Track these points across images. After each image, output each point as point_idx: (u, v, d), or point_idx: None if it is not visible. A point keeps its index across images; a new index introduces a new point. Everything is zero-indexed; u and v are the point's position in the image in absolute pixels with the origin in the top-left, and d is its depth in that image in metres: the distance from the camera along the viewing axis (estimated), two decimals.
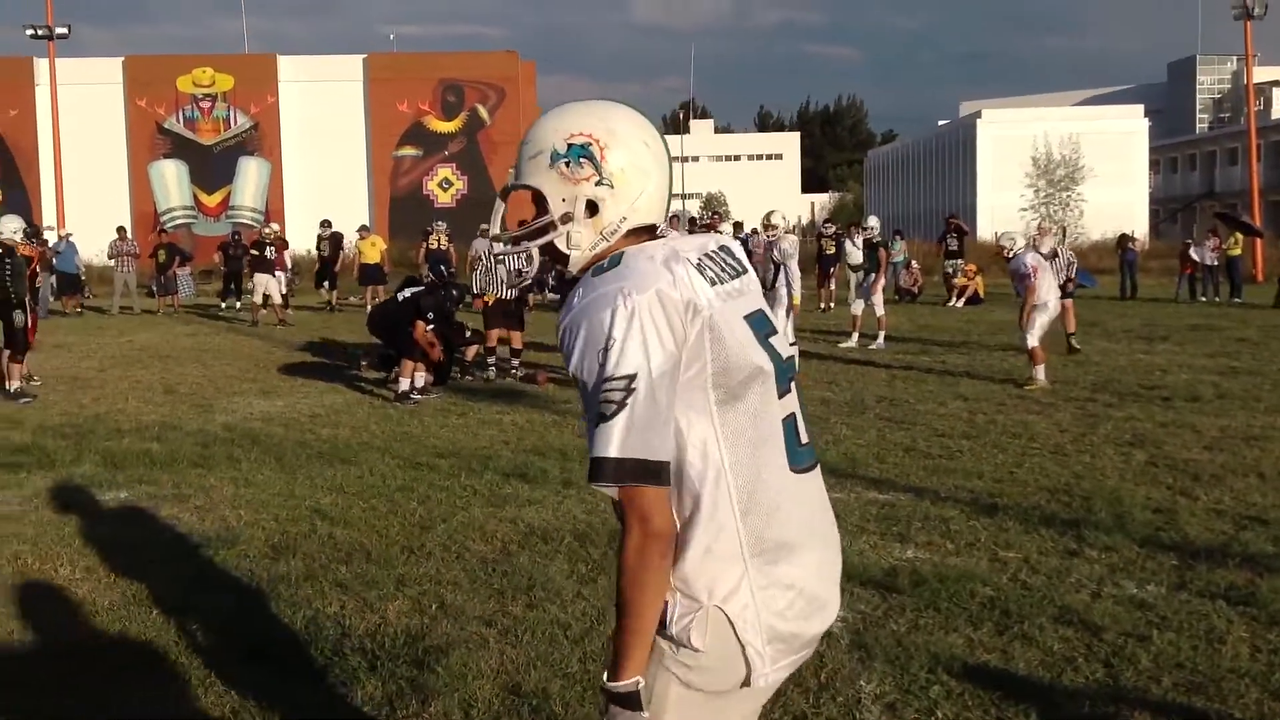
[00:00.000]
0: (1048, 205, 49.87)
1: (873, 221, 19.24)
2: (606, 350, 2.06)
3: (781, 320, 13.19)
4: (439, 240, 24.74)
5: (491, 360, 13.94)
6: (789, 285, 14.05)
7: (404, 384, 11.93)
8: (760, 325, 2.26)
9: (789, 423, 2.27)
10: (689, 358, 2.11)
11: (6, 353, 12.77)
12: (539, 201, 2.30)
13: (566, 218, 2.28)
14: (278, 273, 23.43)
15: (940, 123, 74.57)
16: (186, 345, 18.50)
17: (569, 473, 8.34)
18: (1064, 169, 50.90)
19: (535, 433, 10.15)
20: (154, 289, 26.93)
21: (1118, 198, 53.64)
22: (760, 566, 2.16)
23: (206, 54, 47.99)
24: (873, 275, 17.59)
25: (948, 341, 17.54)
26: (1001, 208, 53.60)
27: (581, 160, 2.25)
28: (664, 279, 2.12)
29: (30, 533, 6.92)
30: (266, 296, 23.04)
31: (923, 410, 11.07)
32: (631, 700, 2.10)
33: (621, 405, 2.04)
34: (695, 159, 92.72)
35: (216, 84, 46.02)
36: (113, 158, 45.05)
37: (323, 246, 26.51)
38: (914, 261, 28.18)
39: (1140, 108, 64.01)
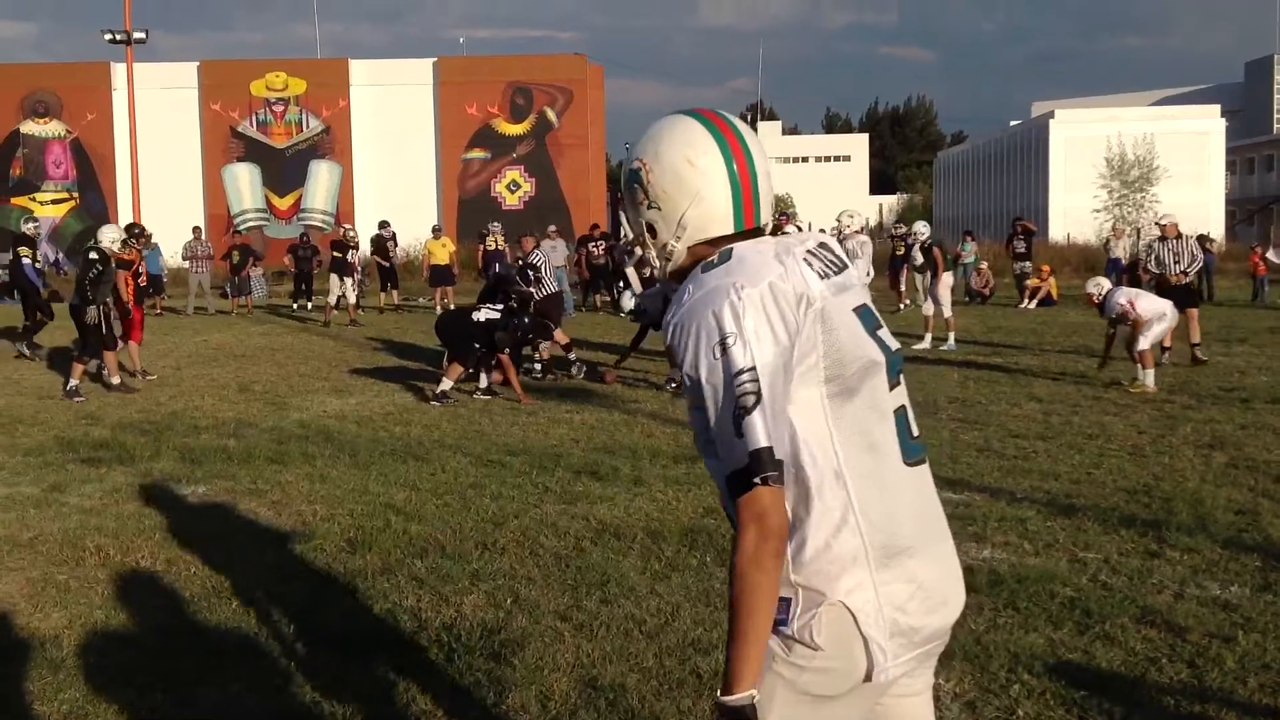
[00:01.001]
0: (1121, 207, 49.18)
1: (920, 227, 19.03)
2: (725, 345, 2.04)
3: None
4: (496, 241, 24.89)
5: (573, 356, 14.20)
6: None
7: (445, 384, 12.04)
8: (868, 319, 2.25)
9: (900, 415, 2.25)
10: (802, 351, 2.10)
11: (117, 348, 13.28)
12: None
13: (640, 240, 2.33)
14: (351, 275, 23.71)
15: (1012, 123, 73.74)
16: (260, 345, 18.74)
17: (639, 470, 8.35)
18: (1138, 170, 50.18)
19: (605, 431, 10.16)
20: (228, 290, 27.31)
21: (1193, 199, 52.71)
22: (881, 560, 2.14)
23: (280, 58, 48.54)
24: (933, 277, 17.46)
25: (1020, 344, 17.33)
26: (1074, 209, 52.95)
27: (635, 185, 2.30)
28: (775, 271, 2.11)
29: (112, 525, 7.04)
30: (340, 297, 23.29)
31: (996, 411, 10.95)
32: (746, 715, 2.01)
33: (759, 397, 2.02)
34: None
35: (289, 88, 46.57)
36: (187, 161, 45.72)
37: (387, 247, 26.56)
38: (984, 263, 27.87)
39: (1216, 107, 62.89)
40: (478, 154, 46.79)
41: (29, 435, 10.28)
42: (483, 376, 12.47)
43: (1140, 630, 5.01)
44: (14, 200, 45.42)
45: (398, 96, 46.71)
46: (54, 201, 45.67)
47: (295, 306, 26.68)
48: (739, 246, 2.19)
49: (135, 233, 15.67)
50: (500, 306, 12.73)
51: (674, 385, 12.59)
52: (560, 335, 14.10)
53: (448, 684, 4.52)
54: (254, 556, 6.32)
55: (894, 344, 2.29)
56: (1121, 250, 27.76)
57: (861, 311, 2.24)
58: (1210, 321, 19.85)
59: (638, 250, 2.36)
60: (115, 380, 13.14)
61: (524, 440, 9.77)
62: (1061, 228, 51.33)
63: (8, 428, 10.65)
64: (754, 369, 2.03)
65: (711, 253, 2.22)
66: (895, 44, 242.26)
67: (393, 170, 45.99)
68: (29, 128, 45.44)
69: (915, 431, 2.28)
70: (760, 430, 2.02)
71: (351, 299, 23.29)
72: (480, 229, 27.87)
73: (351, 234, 24.77)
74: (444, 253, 25.90)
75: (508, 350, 12.15)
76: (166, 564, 6.22)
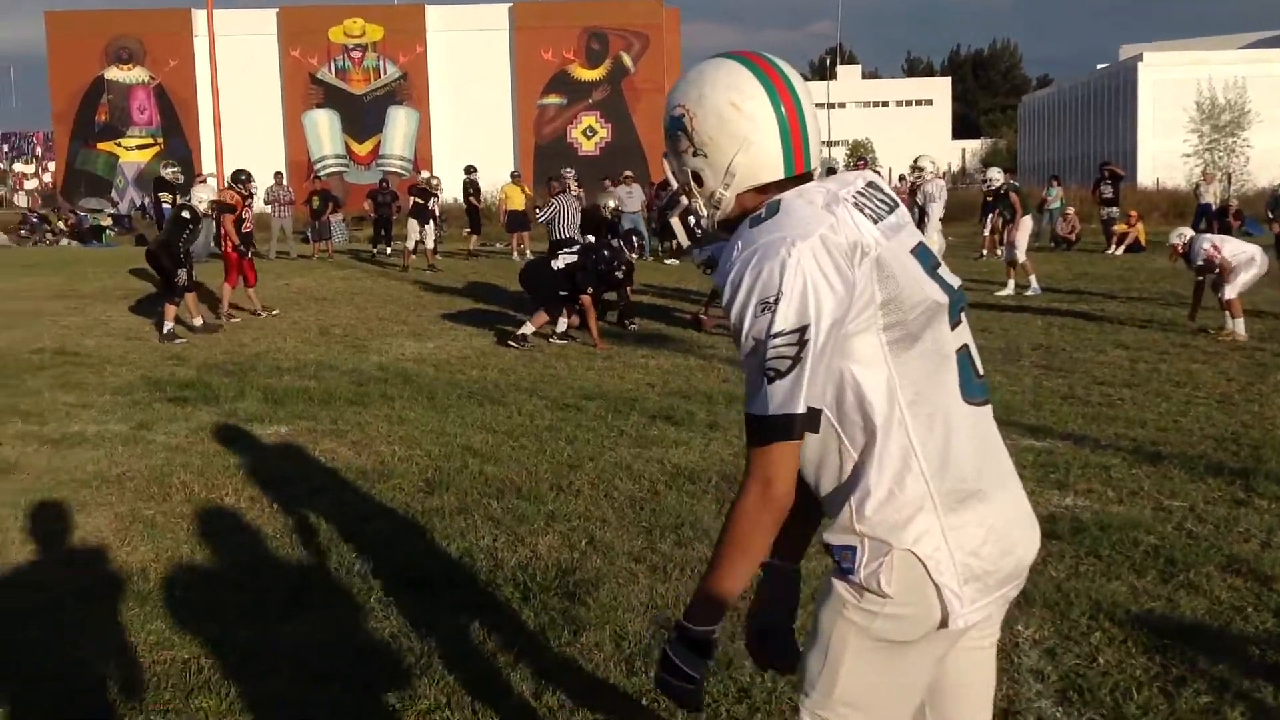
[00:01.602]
0: (1211, 151, 47.91)
1: (993, 173, 18.64)
2: (775, 303, 1.99)
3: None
4: (567, 188, 24.82)
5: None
6: (925, 230, 13.70)
7: (528, 328, 12.09)
8: (925, 258, 2.17)
9: (963, 355, 2.18)
10: (858, 302, 2.03)
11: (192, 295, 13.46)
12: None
13: (685, 188, 2.27)
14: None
15: (1099, 66, 72.01)
16: (340, 289, 18.93)
17: (715, 415, 8.33)
18: (1229, 114, 48.81)
19: (680, 376, 10.14)
20: (309, 235, 27.59)
21: None
22: (950, 505, 2.08)
23: (357, 4, 48.72)
24: (1008, 223, 17.13)
25: (1106, 290, 17.00)
26: (1163, 154, 51.75)
27: (678, 132, 2.22)
28: (826, 222, 2.04)
29: (197, 463, 7.17)
30: (418, 242, 23.45)
31: (1081, 358, 10.75)
32: (706, 649, 2.10)
33: (797, 361, 1.98)
34: (842, 105, 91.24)
35: (367, 34, 46.78)
36: (268, 107, 46.18)
37: (470, 192, 26.72)
38: (1071, 209, 27.33)
39: None
40: (553, 100, 46.75)
41: (117, 375, 10.50)
42: (561, 321, 12.48)
43: (1226, 579, 4.91)
44: (100, 145, 46.30)
45: (474, 42, 46.75)
46: (139, 147, 46.43)
47: (375, 251, 26.89)
48: (786, 198, 2.12)
49: (242, 179, 15.93)
50: (576, 248, 12.72)
51: None
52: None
53: (523, 623, 4.55)
54: (334, 495, 6.40)
55: (955, 281, 2.22)
56: (1212, 195, 27.09)
57: (919, 251, 2.17)
58: None
59: (683, 200, 2.30)
60: (197, 322, 13.37)
61: (599, 385, 9.78)
62: (1150, 173, 50.20)
63: (97, 367, 10.88)
64: (795, 331, 1.97)
65: (759, 201, 2.17)
66: None
67: (469, 116, 46.11)
68: (113, 74, 46.15)
69: (980, 371, 2.22)
70: (784, 395, 1.98)
71: (430, 244, 23.42)
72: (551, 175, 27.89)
73: (434, 180, 24.91)
74: (521, 198, 25.93)
75: (589, 291, 12.15)
76: (250, 501, 6.32)
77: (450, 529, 5.78)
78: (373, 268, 23.70)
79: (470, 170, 27.16)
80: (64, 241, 33.90)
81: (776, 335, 1.98)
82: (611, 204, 16.35)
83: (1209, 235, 12.88)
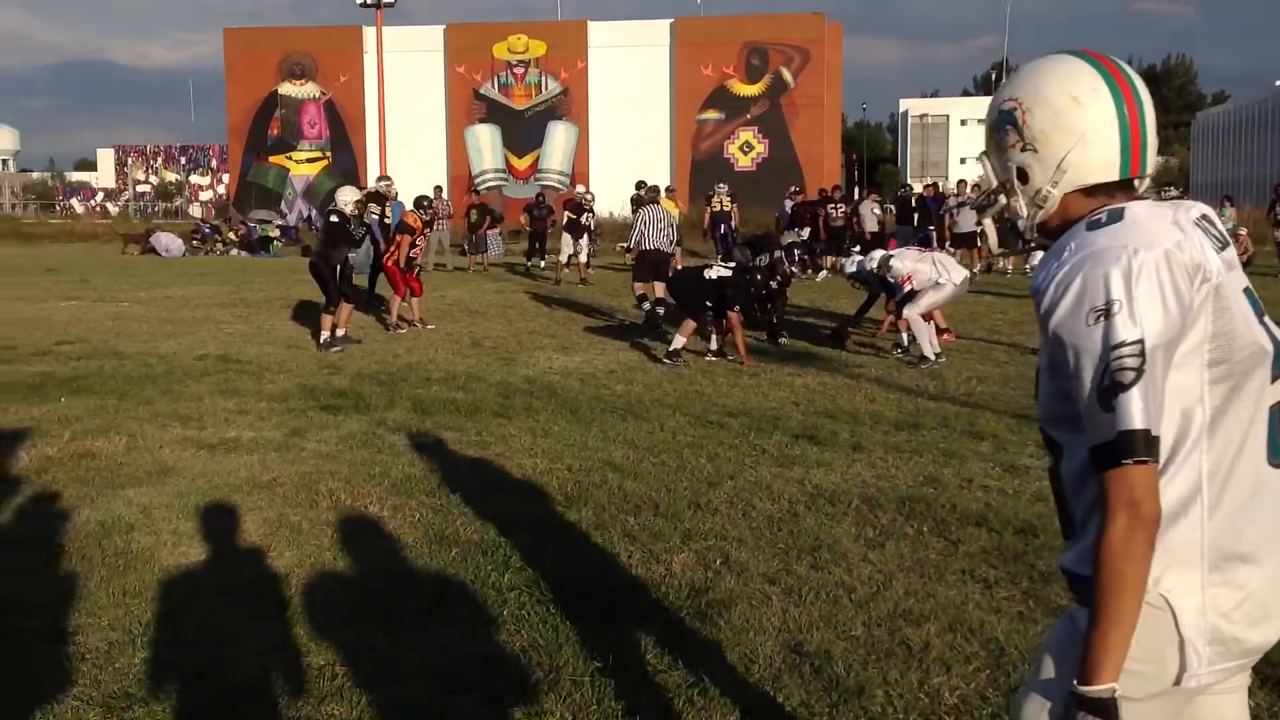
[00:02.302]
0: None
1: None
2: (1109, 312, 1.90)
3: None
4: (721, 203, 24.80)
5: (644, 307, 15.68)
6: None
7: (678, 341, 12.02)
8: (1254, 303, 2.07)
9: (1276, 411, 2.06)
10: (1192, 330, 1.95)
11: (348, 307, 13.74)
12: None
13: (1006, 187, 2.20)
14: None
15: (1277, 83, 69.16)
16: (493, 301, 19.25)
17: (859, 436, 8.21)
18: None
19: (826, 395, 10.03)
20: (465, 248, 28.12)
21: None
22: (1216, 562, 1.99)
23: (521, 21, 49.60)
24: None
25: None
26: None
27: (1006, 127, 2.17)
28: (1173, 238, 1.96)
29: (345, 471, 7.34)
30: (570, 256, 23.69)
31: None
32: (1107, 709, 1.89)
33: (1140, 373, 1.88)
34: None
35: (530, 50, 47.57)
36: (432, 122, 47.27)
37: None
38: (1244, 230, 26.25)
39: None
40: (712, 115, 46.82)
41: (275, 382, 10.83)
42: (713, 338, 12.42)
43: None
44: (272, 159, 47.99)
45: (635, 58, 47.11)
46: (308, 160, 48.03)
47: (529, 265, 27.26)
48: (1132, 206, 2.04)
49: (425, 204, 16.36)
50: (732, 264, 12.69)
51: (901, 351, 12.32)
52: (638, 289, 15.84)
53: (653, 640, 4.53)
54: (475, 506, 6.48)
55: None
56: None
57: (1248, 294, 2.07)
58: None
59: (1000, 199, 2.24)
60: (341, 331, 13.49)
61: (744, 402, 9.73)
62: None
63: (256, 375, 11.24)
64: (1139, 342, 1.88)
65: (1084, 206, 2.10)
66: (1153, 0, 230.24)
67: (628, 131, 46.46)
68: (286, 89, 47.83)
69: None
70: (1136, 409, 1.88)
71: (583, 258, 23.65)
72: (707, 190, 27.94)
73: (588, 196, 25.16)
74: (675, 212, 25.99)
75: (738, 308, 12.09)
76: (393, 510, 6.44)
77: (587, 543, 5.80)
78: (526, 280, 24.05)
79: (640, 185, 27.37)
80: (234, 251, 35.27)
81: (1119, 345, 1.90)
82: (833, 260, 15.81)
83: None
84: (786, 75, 46.34)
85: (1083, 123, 2.07)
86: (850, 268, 13.32)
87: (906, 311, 11.82)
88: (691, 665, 4.30)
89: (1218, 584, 1.98)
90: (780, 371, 11.36)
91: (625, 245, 17.11)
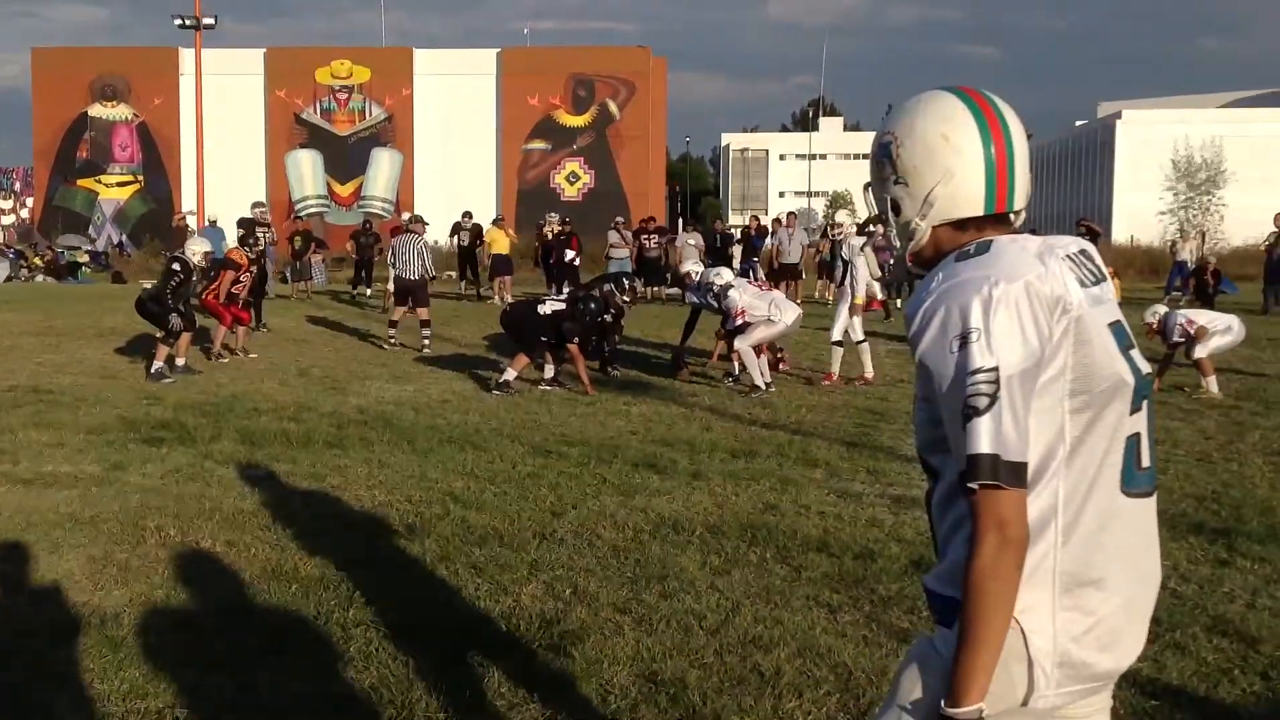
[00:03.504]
0: (1187, 209, 48.45)
1: (842, 217, 18.16)
2: (966, 340, 1.96)
3: (841, 316, 12.84)
4: (552, 231, 24.91)
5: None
6: (853, 284, 13.36)
7: (510, 374, 12.00)
8: (1121, 336, 2.13)
9: (1132, 441, 2.12)
10: (1049, 359, 1.99)
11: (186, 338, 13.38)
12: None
13: (881, 218, 2.27)
14: None
15: (1078, 123, 72.86)
16: (319, 330, 18.85)
17: (698, 464, 8.29)
18: (1205, 172, 49.41)
19: (663, 424, 10.11)
20: (288, 274, 27.49)
21: (1261, 203, 51.71)
22: (1068, 586, 2.04)
23: (345, 46, 48.97)
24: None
25: None
26: (1139, 211, 52.26)
27: (883, 159, 2.24)
28: (1035, 270, 2.01)
29: (172, 506, 7.07)
30: None
31: None
32: None
33: (994, 400, 1.93)
34: (824, 157, 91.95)
35: (354, 76, 46.97)
36: (251, 147, 46.23)
37: (463, 238, 26.74)
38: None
39: None
40: (538, 145, 46.94)
41: (91, 414, 10.38)
42: (548, 368, 12.41)
43: (1212, 640, 4.88)
44: (80, 182, 46.19)
45: (461, 86, 46.95)
46: (119, 184, 46.36)
47: (354, 293, 26.79)
48: (999, 239, 2.10)
49: (250, 243, 16.06)
50: (565, 297, 12.72)
51: (732, 380, 12.51)
52: (397, 313, 16.30)
53: (506, 674, 4.47)
54: (313, 540, 6.31)
55: (1145, 367, 2.17)
56: (1188, 254, 27.31)
57: (1115, 328, 2.13)
58: (1278, 327, 19.47)
59: (877, 230, 2.29)
60: (180, 362, 13.18)
61: (581, 431, 9.73)
62: (1125, 229, 50.67)
63: (72, 406, 10.75)
64: (994, 369, 1.93)
65: (956, 239, 2.15)
66: (960, 41, 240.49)
67: (453, 159, 46.25)
68: (97, 110, 46.15)
69: (1146, 462, 2.15)
70: (985, 434, 1.92)
71: None
72: (539, 220, 27.96)
73: (418, 225, 24.85)
74: (505, 242, 25.95)
75: (577, 340, 12.10)
76: (226, 545, 6.23)
77: (432, 577, 5.71)
78: (352, 309, 23.61)
79: (467, 216, 27.19)
80: (40, 278, 33.75)
81: (975, 372, 1.94)
82: (687, 267, 15.35)
83: (1183, 311, 12.97)
84: (613, 107, 46.79)
85: (950, 159, 2.14)
86: (698, 276, 13.39)
87: (738, 343, 12.03)
88: (547, 699, 4.26)
89: (1069, 608, 2.03)
90: (616, 401, 11.41)
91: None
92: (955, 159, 2.14)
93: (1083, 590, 2.04)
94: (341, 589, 5.46)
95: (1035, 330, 1.97)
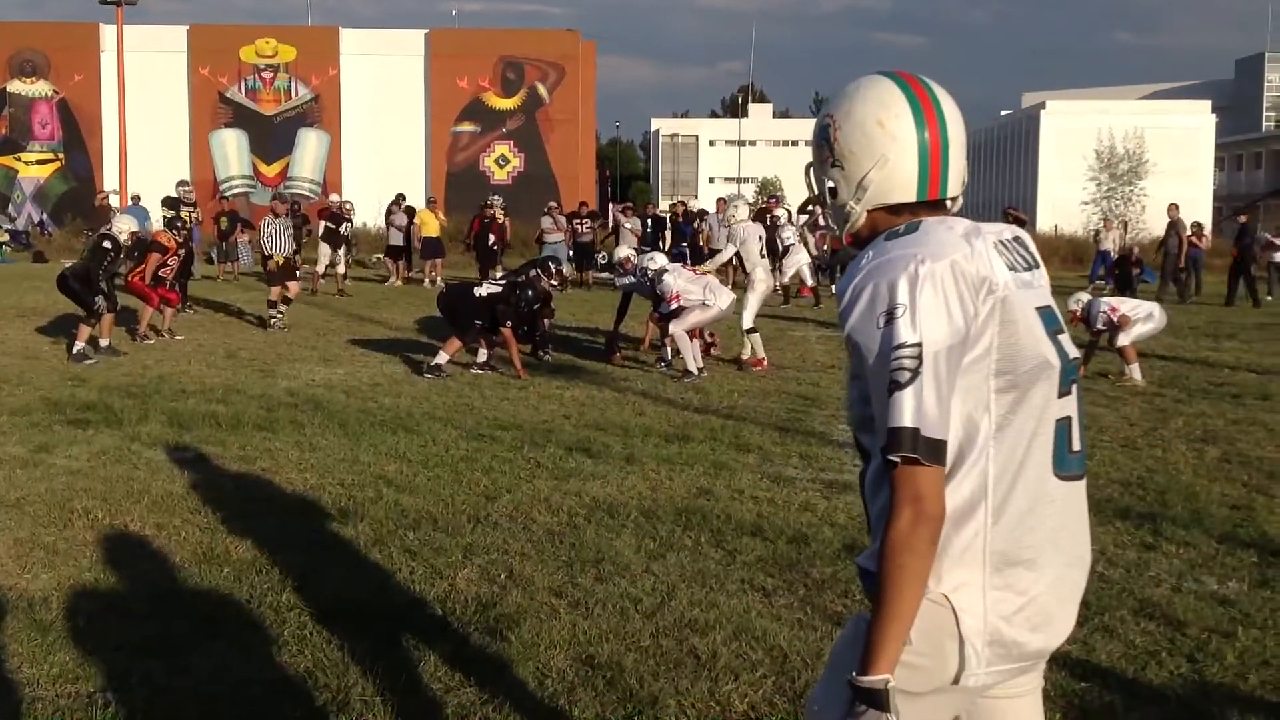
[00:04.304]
0: (1110, 199, 49.26)
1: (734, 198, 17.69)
2: (892, 316, 1.99)
3: (751, 304, 12.95)
4: (497, 214, 24.77)
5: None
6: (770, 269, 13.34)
7: (442, 357, 11.94)
8: (1050, 321, 2.17)
9: (1063, 425, 2.16)
10: (974, 338, 2.03)
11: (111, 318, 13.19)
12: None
13: (819, 199, 2.30)
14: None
15: (1003, 113, 73.78)
16: (247, 311, 18.60)
17: (631, 448, 8.31)
18: (1127, 163, 50.26)
19: (596, 408, 10.11)
20: (213, 255, 27.09)
21: (1181, 194, 52.65)
22: (999, 565, 2.07)
23: (270, 25, 48.15)
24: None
25: None
26: (1063, 200, 53.08)
27: (821, 143, 2.27)
28: (961, 250, 2.05)
29: (100, 488, 6.96)
30: (328, 266, 23.18)
31: None
32: (880, 699, 1.95)
33: (915, 374, 1.96)
34: (753, 143, 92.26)
35: (279, 55, 46.19)
36: (175, 125, 45.33)
37: (396, 219, 26.48)
38: None
39: (1207, 104, 63.16)
40: (467, 127, 46.54)
41: (14, 395, 10.18)
42: (481, 352, 12.38)
43: (1139, 623, 4.99)
44: None
45: (388, 67, 46.39)
46: (39, 162, 45.26)
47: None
48: (928, 220, 2.14)
49: (177, 225, 15.82)
50: (502, 281, 12.67)
51: (665, 365, 12.54)
52: (275, 293, 16.35)
53: (442, 658, 4.46)
54: (244, 523, 6.24)
55: (1073, 352, 2.21)
56: (1111, 243, 27.77)
57: (1044, 312, 2.16)
58: (1198, 316, 19.92)
59: (815, 210, 2.32)
60: (104, 342, 12.98)
61: (515, 415, 9.71)
62: (1050, 219, 51.46)
63: None
64: (917, 345, 1.97)
65: (894, 222, 2.18)
66: (888, 30, 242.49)
67: (381, 141, 45.71)
68: (15, 87, 44.98)
69: (1077, 445, 2.19)
70: (908, 408, 1.96)
71: (340, 269, 23.16)
72: (472, 202, 27.89)
73: (347, 206, 24.73)
74: (435, 224, 25.79)
75: (509, 324, 12.06)
76: (156, 528, 6.15)
77: (366, 560, 5.68)
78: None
79: (400, 198, 26.88)
80: None
81: (897, 347, 1.97)
82: (625, 252, 15.09)
83: (1105, 299, 13.19)
84: (542, 91, 46.49)
85: (884, 145, 2.18)
86: (635, 261, 13.36)
87: (672, 328, 12.06)
88: (484, 682, 4.26)
89: (999, 587, 2.07)
90: (549, 385, 11.39)
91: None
92: (890, 145, 2.17)
93: (1014, 570, 2.08)
94: (274, 573, 5.42)
95: (960, 308, 2.01)
